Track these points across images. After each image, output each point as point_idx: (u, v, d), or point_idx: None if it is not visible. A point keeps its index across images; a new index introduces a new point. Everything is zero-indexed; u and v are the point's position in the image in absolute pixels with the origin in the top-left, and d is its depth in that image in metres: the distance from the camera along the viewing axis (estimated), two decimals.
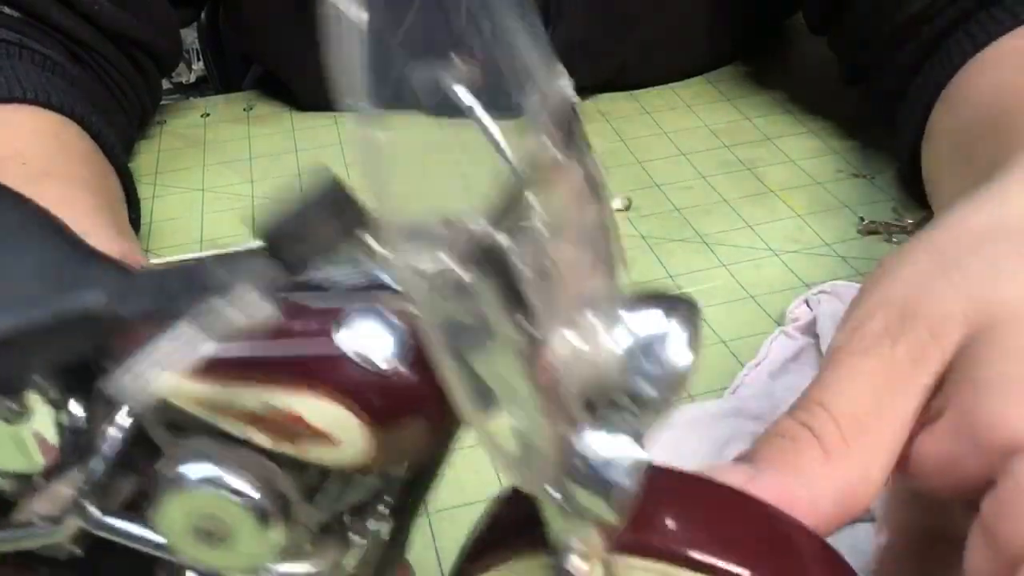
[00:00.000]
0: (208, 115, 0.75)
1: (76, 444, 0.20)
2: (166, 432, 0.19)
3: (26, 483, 0.21)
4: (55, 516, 0.21)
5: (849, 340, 0.28)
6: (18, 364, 0.19)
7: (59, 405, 0.20)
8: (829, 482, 0.25)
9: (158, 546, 0.21)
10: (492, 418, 0.17)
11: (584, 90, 0.75)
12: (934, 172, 0.52)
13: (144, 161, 0.69)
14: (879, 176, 0.63)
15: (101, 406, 0.20)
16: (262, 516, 0.18)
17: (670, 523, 0.20)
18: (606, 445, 0.17)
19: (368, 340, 0.17)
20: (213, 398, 0.17)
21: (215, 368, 0.17)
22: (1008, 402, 0.25)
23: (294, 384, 0.17)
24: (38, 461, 0.20)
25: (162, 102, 0.74)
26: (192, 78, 2.17)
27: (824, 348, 0.46)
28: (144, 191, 0.64)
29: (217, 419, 0.18)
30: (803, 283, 0.54)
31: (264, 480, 0.18)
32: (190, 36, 2.07)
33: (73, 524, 0.21)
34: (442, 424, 0.19)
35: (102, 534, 0.21)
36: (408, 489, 0.21)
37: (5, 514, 0.22)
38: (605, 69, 0.73)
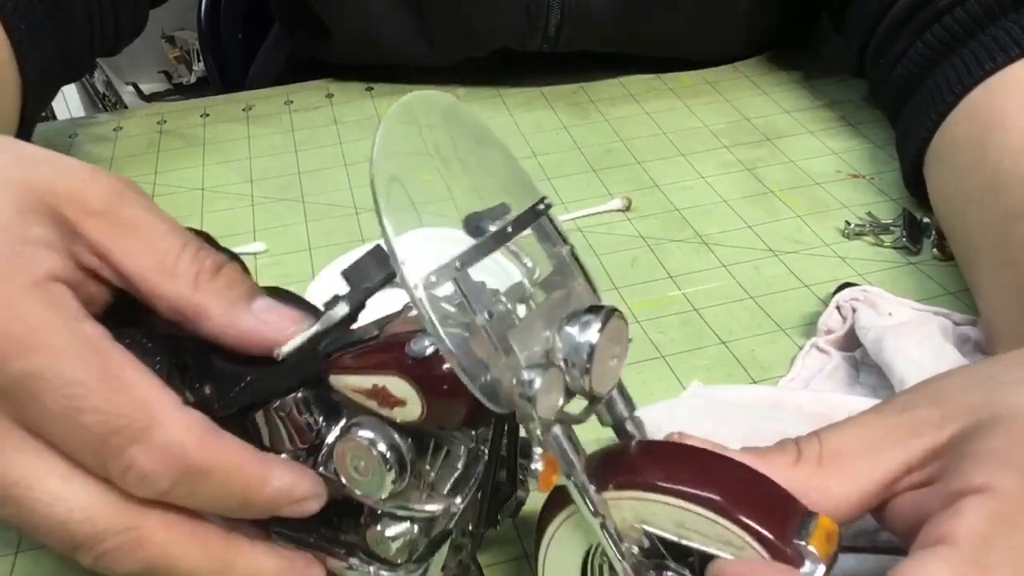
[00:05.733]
0: (208, 115, 0.75)
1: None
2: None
3: None
4: None
5: (882, 403, 0.34)
6: None
7: None
8: (791, 481, 0.31)
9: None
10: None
11: (604, 59, 0.76)
12: (946, 200, 0.52)
13: (144, 161, 0.69)
14: (878, 176, 0.63)
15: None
16: (384, 462, 0.32)
17: (644, 466, 0.31)
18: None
19: (423, 349, 0.31)
20: (354, 384, 0.32)
21: (345, 365, 0.32)
22: (981, 466, 0.29)
23: (385, 371, 0.31)
24: None
25: (162, 102, 0.74)
26: (192, 79, 2.17)
27: (870, 360, 0.46)
28: (144, 191, 0.63)
29: (357, 397, 0.32)
30: (803, 284, 0.54)
31: (389, 440, 0.32)
32: (191, 38, 2.07)
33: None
34: (467, 400, 0.29)
35: None
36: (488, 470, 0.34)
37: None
38: (635, 41, 0.75)
